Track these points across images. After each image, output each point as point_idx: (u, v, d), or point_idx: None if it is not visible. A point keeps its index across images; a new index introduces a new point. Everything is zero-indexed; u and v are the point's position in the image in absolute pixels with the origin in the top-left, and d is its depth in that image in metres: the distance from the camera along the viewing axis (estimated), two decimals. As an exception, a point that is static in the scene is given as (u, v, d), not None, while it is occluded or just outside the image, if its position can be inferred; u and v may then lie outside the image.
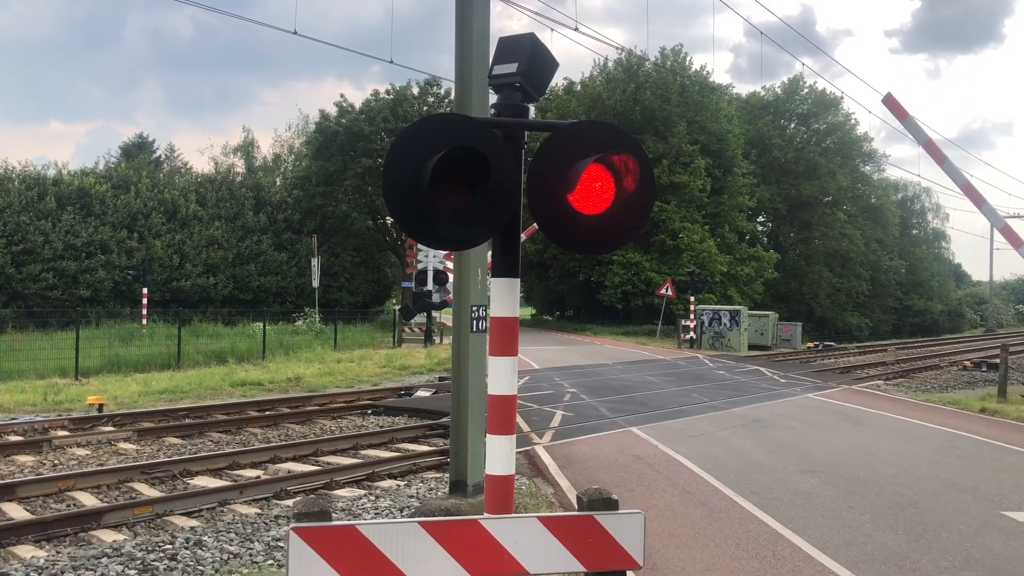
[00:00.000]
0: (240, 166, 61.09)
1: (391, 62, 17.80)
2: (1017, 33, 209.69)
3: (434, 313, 32.12)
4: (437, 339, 32.82)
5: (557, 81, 53.08)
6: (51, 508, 8.98)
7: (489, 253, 8.32)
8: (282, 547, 7.47)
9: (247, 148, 64.21)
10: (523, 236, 28.33)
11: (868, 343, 47.54)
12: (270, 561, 7.20)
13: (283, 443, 12.38)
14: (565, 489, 9.37)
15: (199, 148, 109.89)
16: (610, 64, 50.22)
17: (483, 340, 8.34)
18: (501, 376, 3.96)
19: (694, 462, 10.78)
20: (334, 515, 5.91)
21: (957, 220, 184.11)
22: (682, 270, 42.83)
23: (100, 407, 14.72)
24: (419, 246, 33.49)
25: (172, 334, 25.37)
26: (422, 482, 10.31)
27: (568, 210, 3.69)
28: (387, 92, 45.30)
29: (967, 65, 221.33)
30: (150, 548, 7.35)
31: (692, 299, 36.83)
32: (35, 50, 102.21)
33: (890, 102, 15.95)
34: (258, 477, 10.37)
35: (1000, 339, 48.65)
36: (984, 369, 26.83)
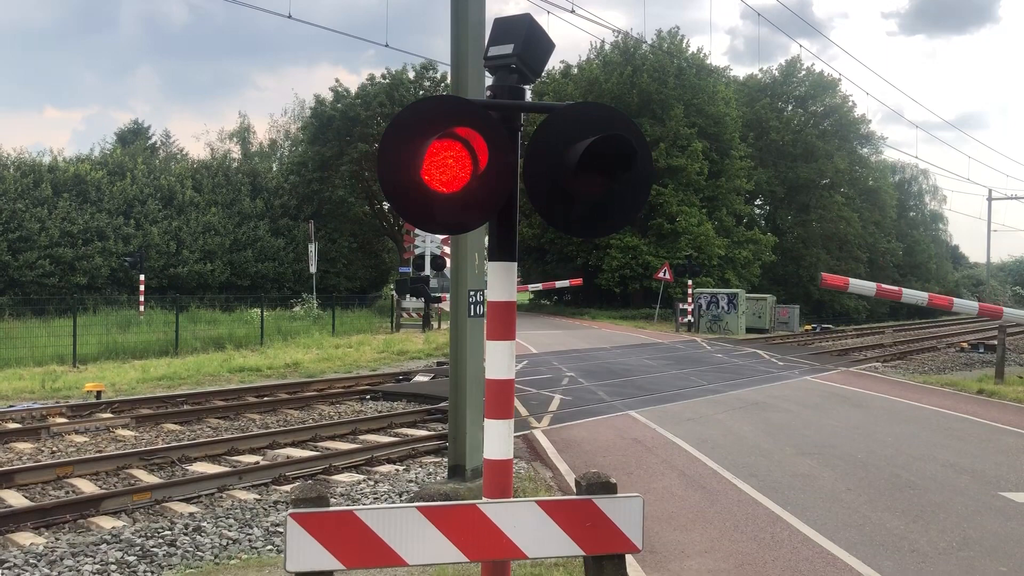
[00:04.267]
0: (236, 152, 60.98)
1: (386, 46, 17.85)
2: (1012, 14, 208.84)
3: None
4: (435, 324, 32.81)
5: (554, 65, 52.84)
6: (50, 495, 8.98)
7: (487, 237, 8.29)
8: (281, 532, 7.48)
9: (243, 134, 64.04)
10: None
11: (865, 325, 47.61)
12: (269, 546, 7.21)
13: (282, 429, 12.39)
14: (564, 473, 9.38)
15: (195, 134, 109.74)
16: (607, 47, 49.99)
17: (481, 325, 8.32)
18: (499, 360, 3.93)
19: (692, 445, 10.79)
20: (333, 500, 5.90)
21: (955, 202, 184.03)
22: (680, 254, 42.79)
23: (98, 394, 14.71)
24: (416, 231, 33.46)
25: (170, 320, 25.34)
26: (421, 467, 10.32)
27: (565, 192, 3.65)
28: (383, 76, 45.09)
29: (964, 46, 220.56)
30: (149, 534, 7.35)
31: (690, 283, 36.82)
32: (30, 37, 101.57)
33: (827, 280, 16.79)
34: (257, 463, 10.38)
35: (997, 321, 48.70)
36: (981, 351, 26.89)
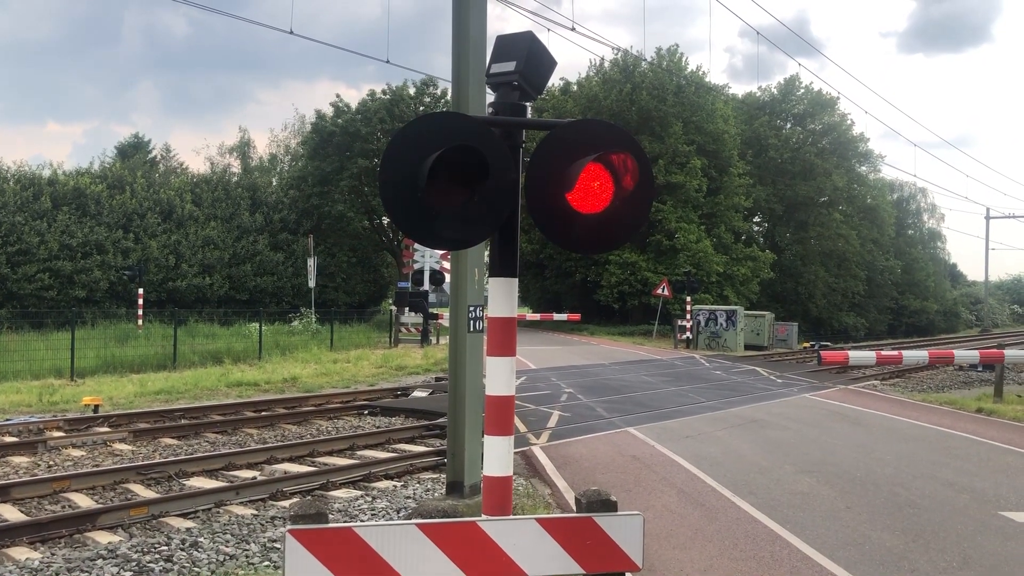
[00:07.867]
0: (236, 166, 60.90)
1: (387, 62, 17.91)
2: (1006, 34, 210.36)
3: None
4: (434, 339, 32.78)
5: (553, 82, 52.93)
6: (46, 509, 8.93)
7: (486, 253, 8.30)
8: (278, 548, 7.44)
9: (243, 148, 64.01)
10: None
11: (864, 343, 47.60)
12: (266, 563, 7.17)
13: (279, 444, 12.35)
14: (562, 490, 9.35)
15: (195, 148, 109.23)
16: (606, 64, 50.19)
17: (480, 340, 8.32)
18: (499, 376, 3.93)
19: (691, 462, 10.76)
20: (330, 516, 5.87)
21: (953, 220, 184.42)
22: (678, 270, 42.82)
23: (95, 408, 14.66)
24: (416, 246, 33.51)
25: (168, 334, 25.29)
26: (419, 483, 10.27)
27: (566, 209, 3.66)
28: (383, 92, 45.24)
29: (961, 64, 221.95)
30: (146, 550, 7.31)
31: (688, 299, 36.84)
32: (32, 50, 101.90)
33: (826, 358, 17.12)
34: (254, 478, 10.34)
35: (995, 339, 48.76)
36: (980, 369, 26.82)
